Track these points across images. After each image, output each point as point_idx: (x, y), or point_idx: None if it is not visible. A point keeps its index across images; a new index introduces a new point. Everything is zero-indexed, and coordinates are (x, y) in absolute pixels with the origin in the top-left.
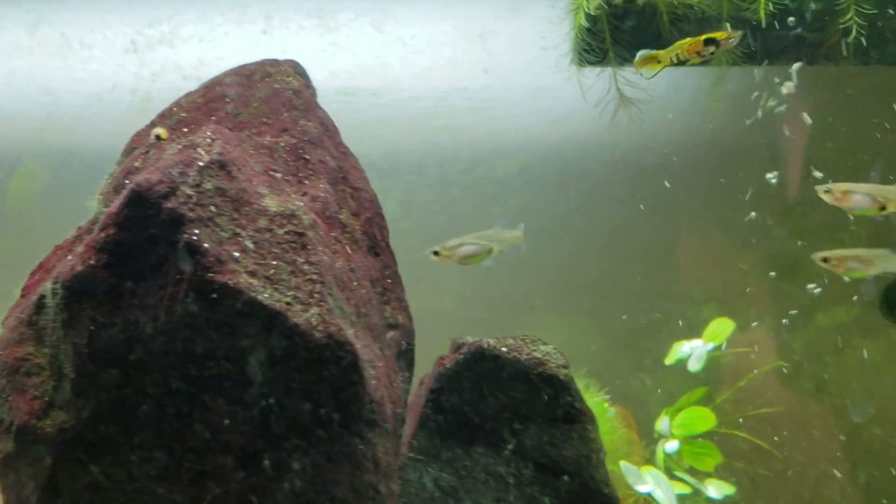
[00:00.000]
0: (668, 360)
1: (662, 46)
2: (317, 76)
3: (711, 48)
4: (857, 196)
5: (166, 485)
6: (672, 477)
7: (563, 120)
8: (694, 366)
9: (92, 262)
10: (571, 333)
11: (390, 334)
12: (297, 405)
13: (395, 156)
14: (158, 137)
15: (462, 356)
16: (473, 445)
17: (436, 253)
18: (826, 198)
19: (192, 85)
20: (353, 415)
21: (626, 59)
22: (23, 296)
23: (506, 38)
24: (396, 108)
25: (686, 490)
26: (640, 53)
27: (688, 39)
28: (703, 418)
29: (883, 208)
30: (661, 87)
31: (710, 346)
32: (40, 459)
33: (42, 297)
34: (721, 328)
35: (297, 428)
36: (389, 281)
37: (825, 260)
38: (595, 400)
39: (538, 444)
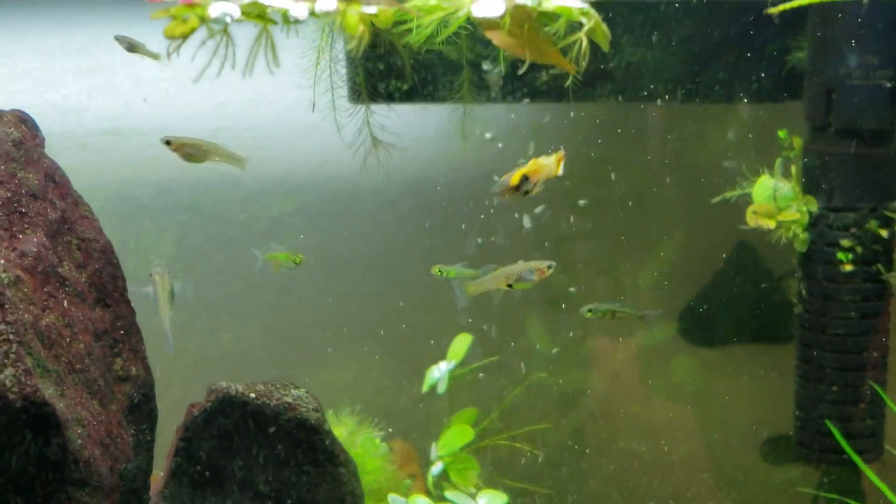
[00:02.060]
0: (424, 388)
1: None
2: (83, 116)
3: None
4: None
5: None
6: (441, 499)
7: (338, 159)
8: (441, 387)
9: None
10: (360, 370)
11: (120, 387)
12: (4, 465)
13: (167, 195)
14: None
15: (209, 403)
16: (227, 493)
17: None
18: None
19: None
20: (58, 476)
21: (378, 97)
22: None
23: (275, 78)
24: (162, 148)
25: None
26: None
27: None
28: (461, 435)
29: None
30: (428, 128)
31: (452, 364)
32: None
33: None
34: (460, 345)
35: (14, 486)
36: (122, 332)
37: None
38: (365, 436)
39: (292, 489)
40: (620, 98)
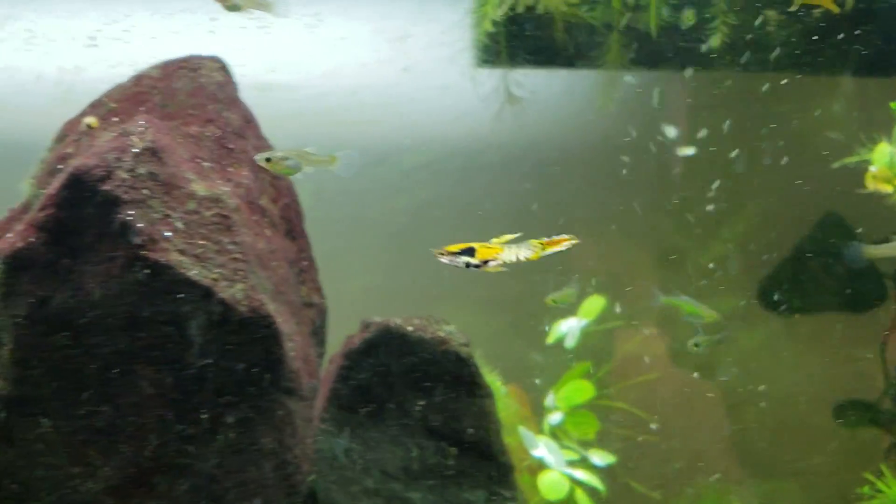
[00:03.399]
0: (549, 340)
1: (556, 51)
2: (236, 71)
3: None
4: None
5: (111, 437)
6: (564, 435)
7: (466, 116)
8: (570, 342)
9: (31, 239)
10: (470, 319)
11: (306, 312)
12: (230, 368)
13: (308, 148)
14: (89, 126)
15: (370, 334)
16: (380, 417)
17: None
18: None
19: (118, 78)
20: (274, 383)
21: (519, 60)
22: None
23: (415, 39)
24: (309, 104)
25: (574, 457)
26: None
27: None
28: (582, 390)
29: None
30: (557, 88)
31: (584, 322)
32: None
33: None
34: (593, 305)
35: (230, 387)
36: (305, 263)
37: None
38: (489, 378)
39: (441, 416)
40: (739, 69)
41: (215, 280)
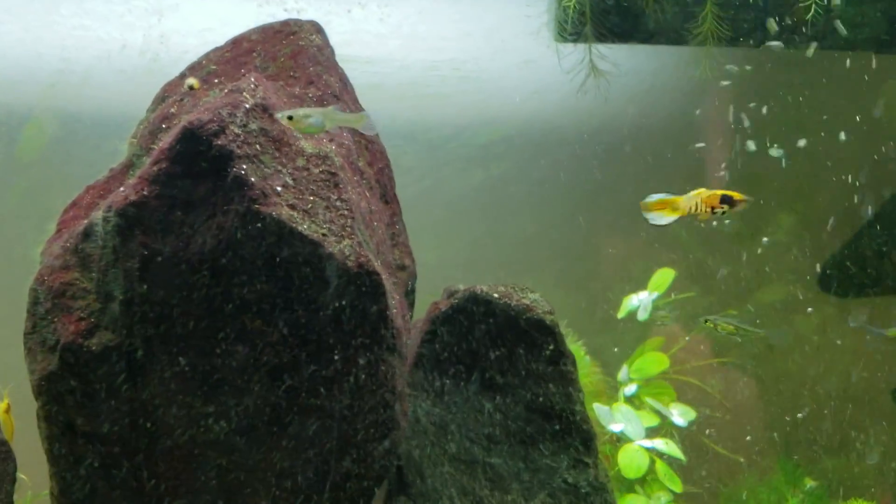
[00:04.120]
0: (620, 314)
1: (641, 25)
2: None
3: (725, 206)
4: None
5: (246, 375)
6: (639, 407)
7: (544, 92)
8: (642, 315)
9: (145, 192)
10: (543, 293)
11: (399, 274)
12: (336, 324)
13: (385, 120)
14: (191, 87)
15: (457, 300)
16: (464, 383)
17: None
18: None
19: (202, 47)
20: (377, 339)
21: (603, 35)
22: (58, 231)
23: (494, 13)
24: (388, 76)
25: (654, 421)
26: (653, 197)
27: (702, 191)
28: (657, 362)
29: None
30: (639, 62)
31: (655, 295)
32: (131, 351)
33: (90, 226)
34: (663, 278)
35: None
36: (398, 227)
37: None
38: (573, 347)
39: (524, 382)
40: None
41: (324, 235)
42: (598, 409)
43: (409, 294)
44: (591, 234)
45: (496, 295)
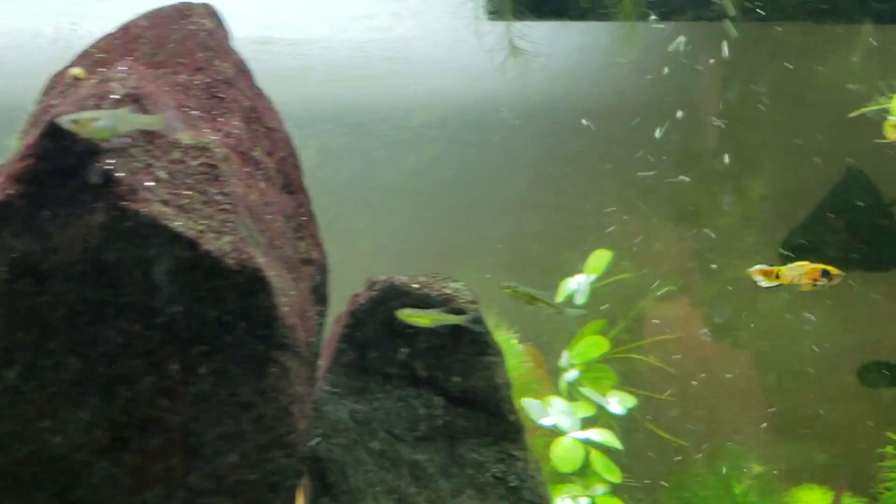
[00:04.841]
0: (559, 298)
1: (573, 3)
2: (235, 25)
3: (824, 280)
4: None
5: (79, 389)
6: (574, 399)
7: (479, 73)
8: (580, 299)
9: (10, 191)
10: (481, 280)
11: (304, 269)
12: (218, 322)
13: (312, 104)
14: (76, 77)
15: (375, 292)
16: (386, 378)
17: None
18: None
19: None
20: (267, 338)
21: (524, 13)
22: None
23: None
24: (314, 59)
25: (590, 411)
26: (758, 267)
27: (805, 264)
28: (597, 345)
29: None
30: (573, 44)
31: (592, 277)
32: None
33: None
34: (599, 260)
35: (219, 341)
36: (304, 218)
37: None
38: (503, 337)
39: (449, 375)
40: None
41: (201, 232)
42: (528, 403)
43: (319, 288)
44: (531, 217)
45: (416, 285)
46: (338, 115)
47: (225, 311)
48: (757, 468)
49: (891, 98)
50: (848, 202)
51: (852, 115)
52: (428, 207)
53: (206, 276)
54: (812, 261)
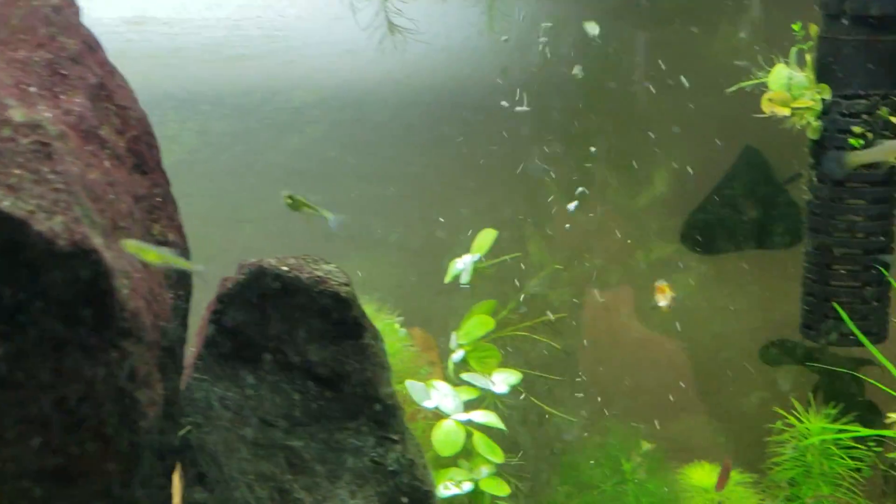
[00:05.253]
0: (447, 279)
1: None
2: (105, 4)
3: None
4: None
5: None
6: (458, 383)
7: (360, 51)
8: (464, 278)
9: None
10: (374, 265)
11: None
12: (50, 307)
13: (190, 85)
14: None
15: (243, 276)
16: (258, 363)
17: None
18: None
19: None
20: (105, 325)
21: None
22: None
23: None
24: (189, 38)
25: (475, 393)
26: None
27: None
28: (482, 324)
29: None
30: (452, 22)
31: (476, 256)
32: None
33: None
34: (485, 239)
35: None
36: (159, 199)
37: None
38: (385, 322)
39: (322, 359)
40: None
41: (31, 212)
42: (412, 386)
43: (176, 271)
44: (421, 199)
45: (285, 268)
46: (217, 96)
47: (60, 293)
48: (646, 445)
49: (769, 72)
50: (744, 182)
51: (729, 90)
52: (313, 189)
53: (37, 258)
54: (709, 240)
